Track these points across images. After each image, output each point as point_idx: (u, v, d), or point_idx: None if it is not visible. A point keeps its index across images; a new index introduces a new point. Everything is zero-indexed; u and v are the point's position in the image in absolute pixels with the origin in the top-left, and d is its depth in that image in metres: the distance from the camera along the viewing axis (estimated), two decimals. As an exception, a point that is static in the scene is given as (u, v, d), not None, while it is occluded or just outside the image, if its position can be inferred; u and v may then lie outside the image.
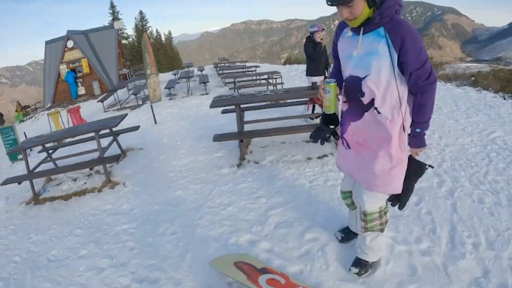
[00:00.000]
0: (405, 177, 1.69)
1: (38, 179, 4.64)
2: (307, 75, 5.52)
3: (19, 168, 6.07)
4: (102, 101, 10.59)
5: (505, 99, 5.71)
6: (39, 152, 5.29)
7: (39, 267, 2.74)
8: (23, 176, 4.47)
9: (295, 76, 11.01)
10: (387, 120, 1.59)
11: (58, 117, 8.73)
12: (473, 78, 7.50)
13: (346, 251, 2.19)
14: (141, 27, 38.45)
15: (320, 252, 2.22)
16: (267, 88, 9.04)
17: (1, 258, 3.04)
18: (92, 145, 5.34)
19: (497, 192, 2.75)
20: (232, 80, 9.86)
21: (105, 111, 10.26)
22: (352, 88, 1.65)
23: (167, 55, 41.52)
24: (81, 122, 8.22)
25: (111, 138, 5.05)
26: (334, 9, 1.51)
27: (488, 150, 3.61)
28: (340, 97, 1.83)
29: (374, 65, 1.51)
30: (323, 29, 5.18)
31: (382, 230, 1.86)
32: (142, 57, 6.92)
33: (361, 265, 1.97)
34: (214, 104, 4.15)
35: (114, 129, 4.74)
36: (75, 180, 4.56)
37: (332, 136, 1.90)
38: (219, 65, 16.05)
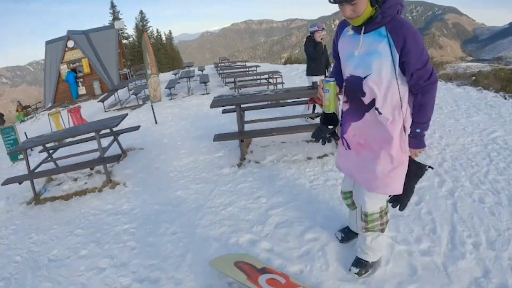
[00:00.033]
0: (405, 178, 1.68)
1: (38, 179, 4.64)
2: (307, 74, 5.52)
3: (20, 168, 6.08)
4: (102, 101, 10.59)
5: (505, 98, 5.70)
6: (39, 152, 5.29)
7: (40, 267, 2.75)
8: (24, 176, 4.48)
9: (295, 75, 11.01)
10: (388, 121, 1.58)
11: (59, 117, 8.74)
12: (473, 78, 7.50)
13: (346, 251, 2.19)
14: (141, 27, 38.46)
15: (320, 252, 2.22)
16: (268, 88, 9.03)
17: (2, 258, 3.04)
18: (93, 145, 5.34)
19: (498, 191, 2.75)
20: (232, 79, 9.85)
21: (106, 111, 10.26)
22: (352, 88, 1.65)
23: (168, 54, 41.54)
24: (81, 122, 8.23)
25: (111, 138, 5.05)
26: (334, 9, 1.51)
27: (488, 150, 3.60)
28: (341, 96, 1.83)
29: (375, 64, 1.51)
30: (323, 28, 5.18)
31: (382, 231, 1.86)
32: (143, 57, 6.92)
33: (361, 265, 1.97)
34: (214, 104, 4.15)
35: (114, 129, 4.75)
36: (75, 180, 4.57)
37: (332, 137, 1.90)
38: (219, 64, 16.04)
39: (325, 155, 3.86)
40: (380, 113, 1.59)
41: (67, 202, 3.99)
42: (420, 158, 1.71)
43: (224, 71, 12.68)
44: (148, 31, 38.51)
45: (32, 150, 6.51)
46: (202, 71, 15.53)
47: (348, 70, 1.65)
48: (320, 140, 1.88)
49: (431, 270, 1.97)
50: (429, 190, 2.85)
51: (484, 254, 2.04)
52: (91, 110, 11.00)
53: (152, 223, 3.06)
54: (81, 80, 18.27)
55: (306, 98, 4.88)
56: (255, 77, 10.01)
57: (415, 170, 1.68)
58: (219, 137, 4.13)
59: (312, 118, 5.04)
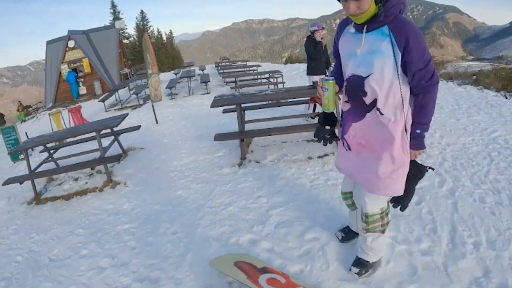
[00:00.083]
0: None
1: (39, 179, 4.65)
2: (308, 74, 5.51)
3: (21, 168, 6.09)
4: (103, 100, 10.60)
5: (506, 98, 5.69)
6: (40, 152, 5.30)
7: (41, 266, 2.75)
8: (25, 176, 4.49)
9: (296, 75, 11.00)
10: (389, 121, 1.57)
11: (60, 117, 8.76)
12: (474, 77, 7.49)
13: (346, 250, 2.18)
14: (142, 26, 38.51)
15: (320, 252, 2.22)
16: (268, 88, 9.03)
17: (3, 257, 3.05)
18: (93, 145, 5.35)
19: (499, 191, 2.74)
20: (233, 79, 9.86)
21: (106, 111, 10.27)
22: (354, 88, 1.63)
23: (168, 54, 41.57)
24: (82, 122, 8.24)
25: (112, 137, 5.06)
26: (335, 8, 1.51)
27: (489, 149, 3.59)
28: (341, 96, 1.82)
29: (377, 64, 1.49)
30: (323, 28, 5.17)
31: (383, 231, 1.85)
32: (143, 57, 6.92)
33: (361, 265, 1.97)
34: (215, 104, 4.15)
35: (115, 129, 4.75)
36: (76, 180, 4.57)
37: (332, 138, 1.89)
38: (220, 64, 16.05)
39: (326, 155, 3.86)
40: (381, 114, 1.58)
41: (68, 202, 4.00)
42: (421, 157, 1.70)
43: (225, 71, 12.70)
44: (149, 31, 38.55)
45: (33, 150, 6.51)
46: (202, 70, 15.54)
47: (349, 69, 1.64)
48: (322, 141, 1.87)
49: (432, 270, 1.96)
50: (430, 190, 2.84)
51: (485, 254, 2.04)
52: (92, 110, 11.02)
53: (152, 222, 3.07)
54: (82, 80, 18.31)
55: (306, 98, 4.87)
56: (255, 77, 10.01)
57: (415, 172, 1.67)
58: (220, 137, 4.14)
59: (313, 118, 5.04)
